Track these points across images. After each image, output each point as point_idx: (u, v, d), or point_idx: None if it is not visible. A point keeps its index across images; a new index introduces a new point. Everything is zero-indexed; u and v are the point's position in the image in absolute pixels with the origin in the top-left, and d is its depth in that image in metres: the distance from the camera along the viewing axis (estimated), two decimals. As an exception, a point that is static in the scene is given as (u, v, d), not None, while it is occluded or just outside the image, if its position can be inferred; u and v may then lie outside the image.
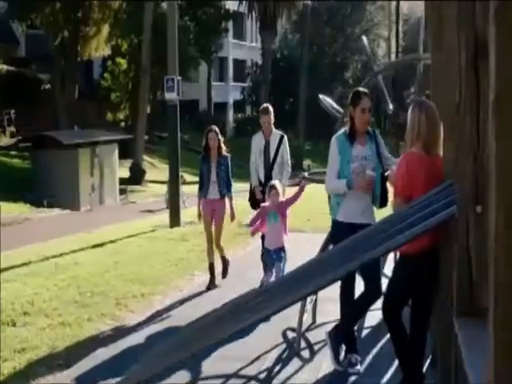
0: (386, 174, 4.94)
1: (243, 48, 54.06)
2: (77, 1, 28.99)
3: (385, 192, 5.04)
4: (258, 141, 8.21)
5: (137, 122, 30.49)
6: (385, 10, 54.89)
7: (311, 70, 47.57)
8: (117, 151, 25.62)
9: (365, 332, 5.92)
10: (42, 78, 33.92)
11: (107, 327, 6.63)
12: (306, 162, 41.61)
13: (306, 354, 5.52)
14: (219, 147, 8.17)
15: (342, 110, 6.91)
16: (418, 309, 4.22)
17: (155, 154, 37.81)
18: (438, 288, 3.86)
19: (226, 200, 8.29)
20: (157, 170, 35.25)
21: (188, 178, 25.31)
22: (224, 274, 8.49)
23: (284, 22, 40.89)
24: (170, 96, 13.88)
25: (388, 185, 5.02)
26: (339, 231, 4.88)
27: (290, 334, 5.93)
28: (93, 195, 23.69)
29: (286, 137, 8.22)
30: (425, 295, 4.11)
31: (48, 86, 33.41)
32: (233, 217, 8.39)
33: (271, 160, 8.06)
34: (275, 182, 7.35)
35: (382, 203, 5.04)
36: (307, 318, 6.21)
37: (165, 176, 32.72)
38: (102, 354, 5.79)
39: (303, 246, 11.55)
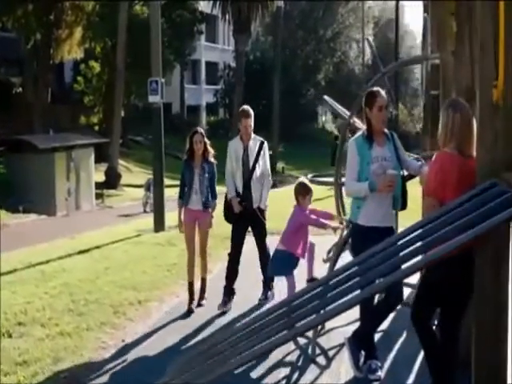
0: (422, 170, 4.80)
1: (216, 50, 53.88)
2: (49, 3, 28.51)
3: (405, 194, 4.93)
4: (235, 146, 7.34)
5: (112, 126, 30.14)
6: (356, 12, 55.15)
7: (284, 72, 47.55)
8: (93, 155, 25.27)
9: (377, 336, 5.80)
10: (14, 81, 33.34)
11: (108, 336, 6.40)
12: (280, 165, 41.57)
13: (321, 360, 5.37)
14: (205, 151, 7.29)
15: (347, 112, 6.75)
16: (450, 313, 4.10)
17: (129, 158, 37.43)
18: (472, 291, 3.75)
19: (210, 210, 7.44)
20: (132, 173, 34.89)
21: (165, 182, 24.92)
22: (201, 296, 7.53)
23: (257, 24, 40.72)
24: (154, 99, 13.65)
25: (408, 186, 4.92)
26: (360, 235, 4.75)
27: (301, 340, 5.77)
28: (69, 200, 23.31)
29: (266, 143, 7.39)
30: (458, 299, 3.99)
31: (19, 90, 32.84)
32: (210, 225, 7.45)
33: (250, 168, 7.23)
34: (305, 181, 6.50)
35: (402, 206, 4.93)
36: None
37: (140, 180, 32.58)
38: (110, 366, 5.58)
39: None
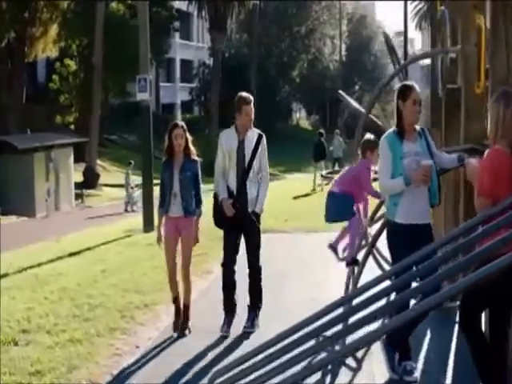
0: (468, 163, 4.64)
1: (190, 48, 53.51)
2: (23, 1, 27.95)
3: (439, 190, 4.78)
4: (228, 139, 6.32)
5: (89, 125, 29.69)
6: (330, 9, 55.19)
7: (259, 70, 47.41)
8: (72, 155, 24.85)
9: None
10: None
11: (121, 342, 6.17)
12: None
13: (350, 362, 5.20)
14: (186, 148, 6.31)
15: (362, 109, 6.59)
16: (502, 314, 3.96)
17: (106, 157, 36.99)
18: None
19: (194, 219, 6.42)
20: (109, 173, 34.49)
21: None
22: (183, 325, 6.41)
23: (233, 21, 40.47)
24: (143, 96, 13.38)
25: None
26: (398, 233, 4.60)
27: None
28: (49, 201, 22.88)
29: (264, 136, 6.36)
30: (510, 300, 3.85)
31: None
32: (195, 241, 6.44)
33: (246, 165, 6.22)
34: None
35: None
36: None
37: (118, 179, 32.20)
38: (129, 374, 5.36)
39: (292, 245, 11.37)
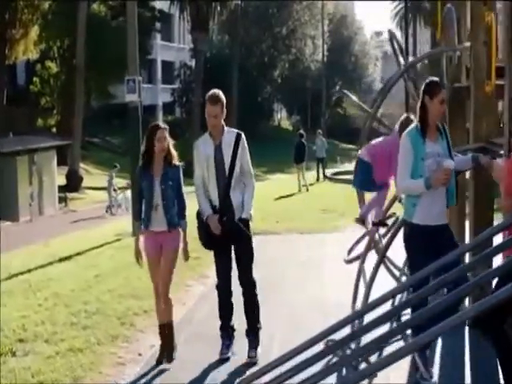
0: (495, 164, 4.53)
1: (172, 49, 53.19)
2: (3, 2, 27.54)
3: (457, 190, 4.67)
4: (203, 147, 5.67)
5: (71, 127, 29.35)
6: (311, 9, 55.16)
7: (240, 70, 47.24)
8: (55, 158, 24.52)
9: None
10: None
11: (123, 350, 6.00)
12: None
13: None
14: (168, 153, 5.64)
15: (366, 107, 6.46)
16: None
17: (88, 160, 36.60)
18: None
19: (180, 231, 5.73)
20: (92, 176, 34.13)
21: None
22: (169, 355, 5.69)
23: (215, 22, 40.24)
24: (132, 97, 13.17)
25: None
26: (416, 234, 4.49)
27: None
28: (33, 205, 22.55)
29: (243, 135, 5.68)
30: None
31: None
32: (186, 256, 5.81)
33: (227, 171, 5.58)
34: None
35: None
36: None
37: (101, 182, 31.82)
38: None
39: (289, 247, 11.23)
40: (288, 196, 20.79)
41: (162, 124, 5.83)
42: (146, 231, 5.71)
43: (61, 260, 11.11)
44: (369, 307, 4.06)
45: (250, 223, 5.74)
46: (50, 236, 15.95)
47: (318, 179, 26.46)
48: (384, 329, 4.87)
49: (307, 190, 22.31)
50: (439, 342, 5.57)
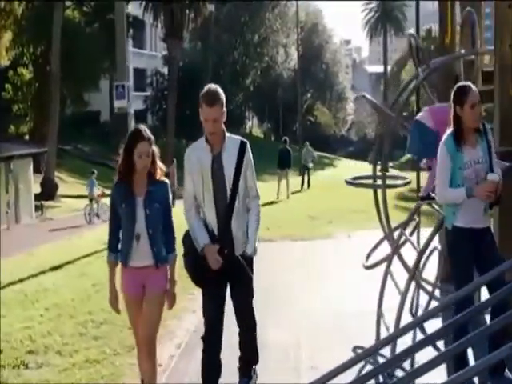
0: None
1: (143, 57, 52.87)
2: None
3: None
4: (197, 156, 4.49)
5: (46, 135, 28.90)
6: (283, 17, 55.36)
7: (212, 78, 47.13)
8: (32, 166, 24.12)
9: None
10: None
11: (142, 361, 5.80)
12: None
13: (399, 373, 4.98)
14: (153, 167, 4.48)
15: (388, 111, 6.37)
16: None
17: (61, 168, 36.08)
18: None
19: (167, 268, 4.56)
20: (67, 184, 33.68)
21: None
22: None
23: (188, 29, 39.99)
24: (121, 104, 12.99)
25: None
26: (460, 239, 4.41)
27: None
28: (9, 213, 22.11)
29: (248, 144, 4.55)
30: None
31: None
32: (173, 300, 4.62)
33: (228, 191, 4.43)
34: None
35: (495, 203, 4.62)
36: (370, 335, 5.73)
37: (76, 190, 31.45)
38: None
39: (288, 255, 11.11)
40: (270, 203, 20.66)
41: (144, 131, 4.46)
42: (126, 269, 4.49)
43: (51, 269, 10.85)
44: (413, 324, 4.01)
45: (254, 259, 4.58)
46: (31, 245, 15.61)
47: (302, 187, 26.09)
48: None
49: (288, 196, 22.17)
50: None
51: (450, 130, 4.49)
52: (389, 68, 67.05)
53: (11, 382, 5.46)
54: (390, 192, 17.71)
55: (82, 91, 32.29)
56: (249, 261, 4.51)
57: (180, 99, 41.02)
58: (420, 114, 5.75)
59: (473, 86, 4.46)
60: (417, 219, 6.06)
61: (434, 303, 6.14)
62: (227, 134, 4.53)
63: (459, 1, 6.95)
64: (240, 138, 4.57)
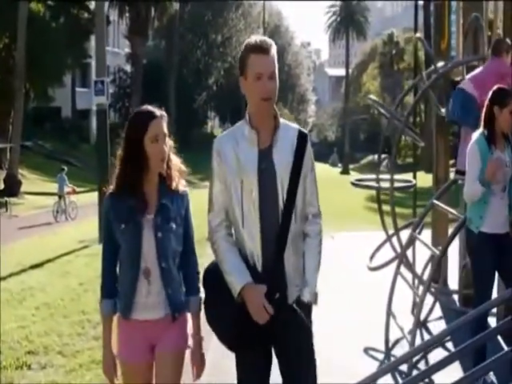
0: None
1: (106, 54, 52.17)
2: None
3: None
4: (236, 151, 2.97)
5: (7, 130, 28.32)
6: (246, 17, 55.37)
7: (176, 76, 46.92)
8: (-4, 162, 23.58)
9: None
10: None
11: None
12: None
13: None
14: (168, 169, 3.02)
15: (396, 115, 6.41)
16: None
17: (22, 165, 35.35)
18: None
19: (188, 317, 3.09)
20: (28, 180, 32.98)
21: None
22: None
23: (153, 26, 39.74)
24: (100, 100, 12.79)
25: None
26: (483, 244, 4.48)
27: (376, 354, 5.42)
28: (-27, 210, 21.60)
29: (309, 137, 3.04)
30: None
31: None
32: (199, 366, 3.14)
33: (281, 203, 2.92)
34: None
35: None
36: (377, 336, 5.78)
37: (39, 187, 30.86)
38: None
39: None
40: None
41: (156, 110, 2.99)
42: (126, 323, 3.02)
43: (32, 268, 10.66)
44: (436, 339, 4.06)
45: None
46: (2, 242, 15.28)
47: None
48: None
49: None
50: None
51: (480, 130, 4.55)
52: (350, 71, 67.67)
53: (16, 383, 5.34)
54: (362, 193, 17.79)
55: (48, 86, 31.68)
56: (306, 311, 2.96)
57: (144, 96, 40.74)
58: (463, 81, 5.70)
59: None
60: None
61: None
62: (281, 120, 2.99)
63: (461, 1, 7.02)
64: (297, 126, 3.06)
